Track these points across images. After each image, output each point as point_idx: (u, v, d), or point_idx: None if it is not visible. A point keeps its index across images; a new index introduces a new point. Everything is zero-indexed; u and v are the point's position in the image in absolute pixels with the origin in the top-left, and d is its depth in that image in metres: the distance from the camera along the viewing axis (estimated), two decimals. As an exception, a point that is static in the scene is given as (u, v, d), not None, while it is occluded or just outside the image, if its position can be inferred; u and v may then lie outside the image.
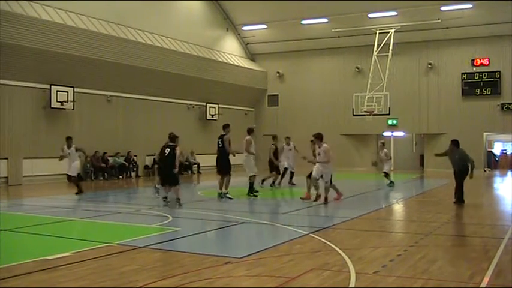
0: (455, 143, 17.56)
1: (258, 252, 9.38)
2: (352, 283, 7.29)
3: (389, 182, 23.72)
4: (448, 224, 13.22)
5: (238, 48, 41.76)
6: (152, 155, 29.60)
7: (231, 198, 17.90)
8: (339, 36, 37.73)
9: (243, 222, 12.98)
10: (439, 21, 34.23)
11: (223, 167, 18.36)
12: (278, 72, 41.83)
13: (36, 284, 7.45)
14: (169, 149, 16.39)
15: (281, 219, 13.72)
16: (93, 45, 27.55)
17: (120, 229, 11.79)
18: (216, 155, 18.53)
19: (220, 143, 18.28)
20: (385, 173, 24.08)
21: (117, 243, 10.12)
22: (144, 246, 9.90)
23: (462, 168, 17.05)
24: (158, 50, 31.97)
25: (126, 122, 30.58)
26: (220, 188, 18.33)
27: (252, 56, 42.85)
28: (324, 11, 36.42)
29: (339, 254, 9.08)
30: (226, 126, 18.53)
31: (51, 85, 26.24)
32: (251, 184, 19.20)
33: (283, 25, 38.99)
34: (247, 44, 42.20)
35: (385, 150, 23.91)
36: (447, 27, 35.06)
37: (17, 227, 12.39)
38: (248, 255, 9.06)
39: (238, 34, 41.40)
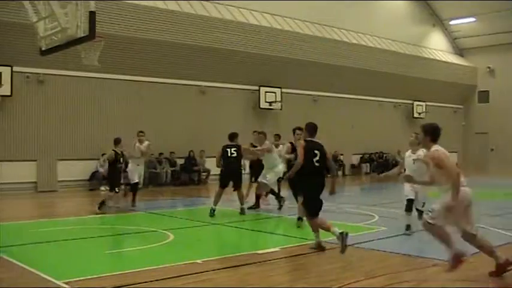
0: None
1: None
2: None
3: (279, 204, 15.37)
4: None
5: (446, 43, 40.38)
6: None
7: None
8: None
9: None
10: None
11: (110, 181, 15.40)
12: (488, 67, 39.71)
13: (248, 276, 7.84)
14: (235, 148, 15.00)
15: (495, 221, 12.92)
16: (298, 46, 28.26)
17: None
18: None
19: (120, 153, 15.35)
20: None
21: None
22: (349, 245, 9.93)
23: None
24: (363, 49, 31.93)
25: (332, 122, 30.67)
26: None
27: (460, 51, 41.16)
28: (540, -2, 33.88)
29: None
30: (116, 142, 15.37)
31: (259, 86, 27.36)
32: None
33: (493, 17, 36.76)
34: (455, 38, 40.62)
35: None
36: None
37: (230, 221, 13.20)
38: (456, 259, 8.70)
39: (445, 29, 40.02)
